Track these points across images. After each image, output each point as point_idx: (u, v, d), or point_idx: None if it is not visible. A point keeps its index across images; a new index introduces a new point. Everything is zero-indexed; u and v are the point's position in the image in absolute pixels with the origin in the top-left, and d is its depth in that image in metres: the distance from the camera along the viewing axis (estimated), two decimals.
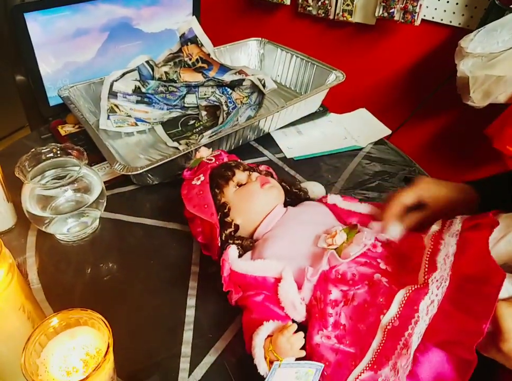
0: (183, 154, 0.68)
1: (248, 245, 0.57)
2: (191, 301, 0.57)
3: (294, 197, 0.64)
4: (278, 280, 0.50)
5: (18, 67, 1.09)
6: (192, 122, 0.84)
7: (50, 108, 0.82)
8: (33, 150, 0.60)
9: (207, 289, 0.58)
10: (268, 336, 0.46)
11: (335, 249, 0.50)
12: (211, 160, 0.63)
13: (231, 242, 0.56)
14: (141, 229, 0.67)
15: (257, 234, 0.58)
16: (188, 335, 0.53)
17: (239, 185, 0.60)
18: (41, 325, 0.40)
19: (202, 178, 0.59)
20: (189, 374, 0.49)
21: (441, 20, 1.23)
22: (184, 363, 0.50)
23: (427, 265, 0.46)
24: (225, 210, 0.57)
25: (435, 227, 0.50)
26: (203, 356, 0.51)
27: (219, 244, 0.56)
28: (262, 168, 0.66)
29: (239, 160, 0.66)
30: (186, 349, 0.52)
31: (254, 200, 0.58)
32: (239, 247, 0.56)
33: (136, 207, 0.71)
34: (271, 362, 0.44)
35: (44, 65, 0.78)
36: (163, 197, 0.73)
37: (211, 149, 0.67)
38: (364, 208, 0.60)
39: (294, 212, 0.59)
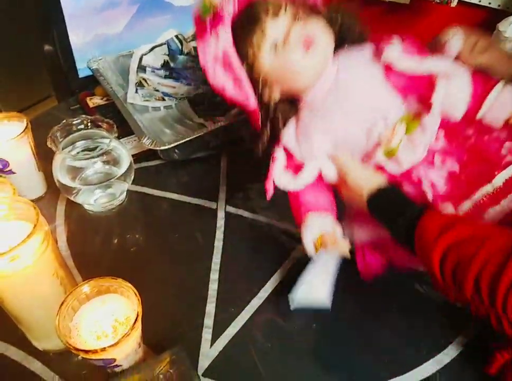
0: (210, 130, 0.68)
1: (290, 111, 0.50)
2: (214, 275, 0.58)
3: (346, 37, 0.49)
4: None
5: (47, 37, 1.10)
6: (219, 99, 0.84)
7: (79, 80, 0.83)
8: (64, 121, 0.61)
9: (229, 264, 0.59)
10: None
11: (388, 153, 0.46)
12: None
13: (271, 116, 0.50)
14: (166, 203, 0.68)
15: (304, 103, 0.50)
16: (210, 307, 0.54)
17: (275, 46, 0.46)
18: (74, 291, 0.41)
19: (225, 41, 0.45)
20: (211, 345, 0.51)
21: (480, 1, 1.17)
22: (207, 335, 0.52)
23: None
24: (262, 87, 0.47)
25: None
26: (225, 329, 0.52)
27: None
28: None
29: None
30: (208, 321, 0.53)
31: (298, 73, 0.47)
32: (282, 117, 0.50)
33: (161, 181, 0.72)
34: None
35: (73, 36, 0.78)
36: (188, 173, 0.73)
37: None
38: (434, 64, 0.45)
39: (344, 82, 0.48)
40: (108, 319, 0.42)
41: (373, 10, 1.31)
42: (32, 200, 0.66)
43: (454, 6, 1.16)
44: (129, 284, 0.42)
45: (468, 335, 0.52)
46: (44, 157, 0.64)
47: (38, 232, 0.39)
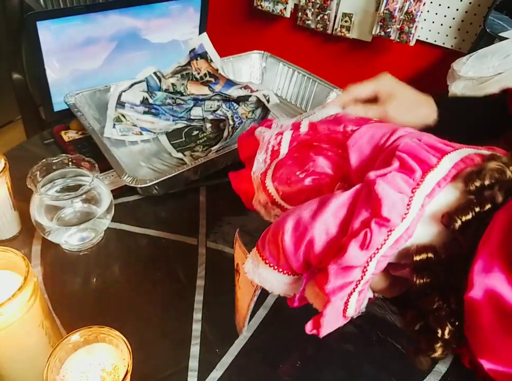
0: (192, 167, 0.69)
1: None
2: (197, 315, 0.58)
3: None
4: None
5: (16, 66, 1.08)
6: (195, 133, 0.85)
7: (54, 114, 0.82)
8: (44, 160, 0.60)
9: (212, 303, 0.60)
10: None
11: None
12: None
13: None
14: (146, 240, 0.68)
15: None
16: (195, 349, 0.54)
17: None
18: (62, 342, 0.40)
19: None
20: None
21: (435, 41, 1.27)
22: (192, 378, 0.51)
23: None
24: None
25: None
26: (210, 371, 0.52)
27: None
28: None
29: None
30: (193, 363, 0.53)
31: None
32: None
33: (140, 217, 0.71)
34: None
35: (50, 71, 0.77)
36: (167, 208, 0.74)
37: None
38: None
39: None
40: (95, 370, 0.41)
41: (338, 46, 1.39)
42: (6, 240, 0.65)
43: (412, 45, 1.26)
44: (119, 333, 0.41)
45: (445, 363, 0.54)
46: (19, 194, 0.63)
47: (29, 285, 0.39)
